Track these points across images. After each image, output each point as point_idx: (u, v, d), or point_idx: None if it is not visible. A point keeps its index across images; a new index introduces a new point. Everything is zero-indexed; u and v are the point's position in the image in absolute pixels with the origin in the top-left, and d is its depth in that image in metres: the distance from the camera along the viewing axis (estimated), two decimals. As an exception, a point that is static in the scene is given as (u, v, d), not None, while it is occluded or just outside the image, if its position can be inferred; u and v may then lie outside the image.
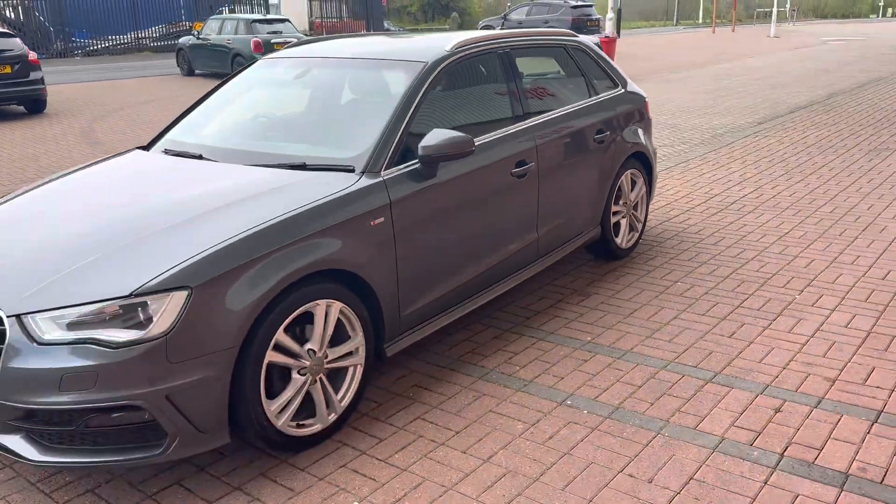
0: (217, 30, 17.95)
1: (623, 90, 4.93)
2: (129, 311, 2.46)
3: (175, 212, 2.88)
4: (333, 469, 2.77)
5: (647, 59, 21.54)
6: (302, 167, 3.22)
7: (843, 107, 11.43)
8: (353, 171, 3.14)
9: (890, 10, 79.57)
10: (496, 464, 2.76)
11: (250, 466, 2.80)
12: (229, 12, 28.13)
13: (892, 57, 20.71)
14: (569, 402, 3.16)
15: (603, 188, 4.53)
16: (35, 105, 12.78)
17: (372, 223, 3.04)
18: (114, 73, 20.12)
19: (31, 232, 3.00)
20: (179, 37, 26.53)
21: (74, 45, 27.10)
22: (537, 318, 4.05)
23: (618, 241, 4.82)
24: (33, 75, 12.46)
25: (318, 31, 36.28)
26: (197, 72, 18.99)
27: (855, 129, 9.50)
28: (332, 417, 2.95)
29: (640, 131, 4.92)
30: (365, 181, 3.09)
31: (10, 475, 2.81)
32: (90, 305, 2.46)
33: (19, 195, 3.44)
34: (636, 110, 4.94)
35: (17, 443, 2.53)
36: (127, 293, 2.46)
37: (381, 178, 3.13)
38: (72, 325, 2.45)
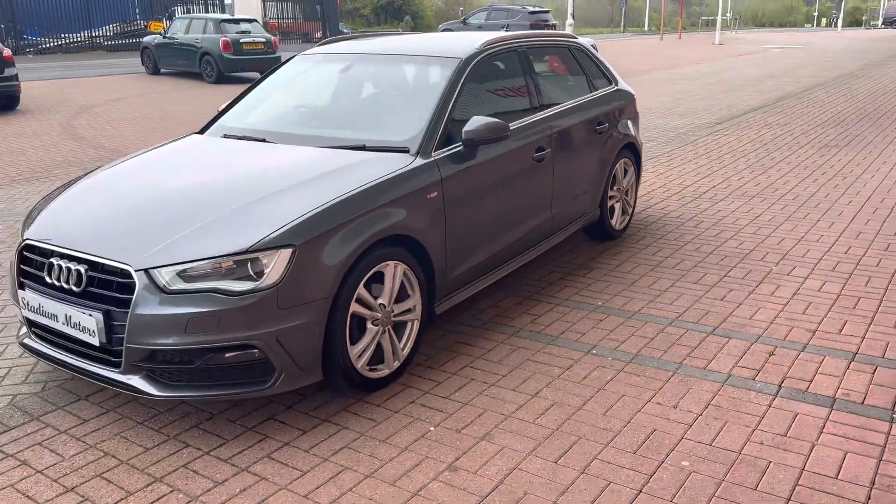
0: (184, 29, 18.07)
1: (616, 87, 5.48)
2: (245, 264, 2.87)
3: (266, 183, 3.31)
4: (404, 404, 3.22)
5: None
6: (362, 148, 3.66)
7: (792, 109, 12.29)
8: (408, 152, 3.60)
9: (823, 20, 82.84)
10: (543, 398, 3.25)
11: (332, 404, 3.22)
12: (185, 12, 28.08)
13: (831, 64, 21.96)
14: (594, 352, 3.67)
15: (602, 174, 5.07)
16: (8, 102, 12.79)
17: (428, 197, 3.50)
18: (72, 71, 20.02)
19: (140, 198, 3.38)
20: (134, 36, 26.38)
21: (26, 42, 26.70)
22: (550, 287, 4.56)
23: (612, 222, 5.37)
24: (7, 72, 12.48)
25: (274, 31, 36.37)
26: (163, 70, 19.05)
27: (805, 128, 10.31)
28: (396, 364, 3.40)
29: (631, 124, 5.49)
30: (419, 161, 3.55)
31: (115, 417, 3.17)
32: (211, 260, 2.86)
33: (111, 168, 3.84)
34: (627, 105, 5.50)
35: (139, 381, 2.91)
36: (244, 249, 2.87)
37: (432, 159, 3.59)
38: (194, 278, 2.85)
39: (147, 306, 2.82)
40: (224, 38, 16.99)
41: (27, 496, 2.66)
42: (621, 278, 4.69)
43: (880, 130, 9.97)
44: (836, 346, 3.66)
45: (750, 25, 75.42)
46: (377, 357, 3.32)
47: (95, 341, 2.92)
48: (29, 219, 3.45)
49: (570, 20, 19.51)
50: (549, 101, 4.62)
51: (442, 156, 3.65)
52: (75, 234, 3.14)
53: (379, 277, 3.27)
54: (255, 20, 18.63)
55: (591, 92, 5.15)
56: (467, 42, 4.29)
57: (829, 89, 15.08)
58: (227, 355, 2.88)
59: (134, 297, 2.83)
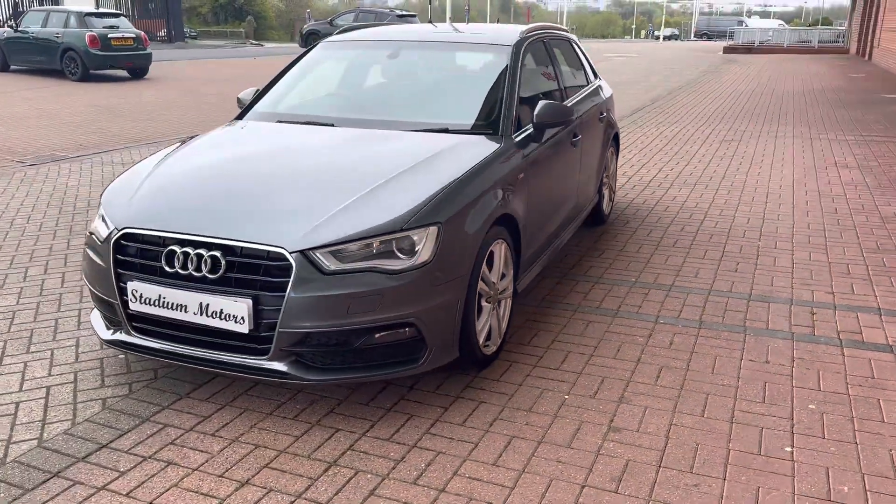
0: (41, 22, 16.63)
1: (600, 81, 5.82)
2: (399, 243, 2.86)
3: (379, 165, 3.28)
4: (522, 377, 3.32)
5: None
6: (445, 131, 3.71)
7: (669, 109, 13.35)
8: (494, 134, 3.69)
9: (643, 32, 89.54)
10: (648, 363, 3.46)
11: (452, 382, 3.25)
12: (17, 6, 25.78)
13: (672, 71, 23.93)
14: (661, 321, 3.94)
15: (601, 161, 5.38)
16: None
17: (518, 177, 3.61)
18: None
19: (249, 182, 3.25)
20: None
21: None
22: (577, 268, 4.79)
23: (604, 206, 5.69)
24: None
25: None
26: (13, 67, 17.43)
27: (694, 126, 11.26)
28: (499, 341, 3.48)
29: (614, 115, 5.85)
30: (506, 143, 3.65)
31: (236, 412, 3.03)
32: (367, 240, 2.82)
33: (180, 152, 3.65)
34: (609, 98, 5.85)
35: (289, 367, 2.82)
36: (398, 227, 2.86)
37: (514, 141, 3.71)
38: (349, 258, 2.80)
39: (306, 289, 2.74)
40: (90, 33, 15.83)
41: (202, 493, 2.51)
42: (634, 257, 5.01)
43: (760, 125, 11.10)
44: (860, 304, 4.15)
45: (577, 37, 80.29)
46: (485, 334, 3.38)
47: (244, 328, 2.79)
48: (112, 207, 3.20)
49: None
50: (570, 90, 4.86)
51: (520, 138, 3.77)
52: (196, 219, 2.96)
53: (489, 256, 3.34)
54: (123, 14, 17.50)
55: (589, 83, 5.44)
56: (506, 30, 4.45)
57: (688, 92, 16.48)
58: (384, 334, 2.86)
59: (291, 279, 2.74)
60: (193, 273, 2.85)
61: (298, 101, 4.27)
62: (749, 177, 7.52)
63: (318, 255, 2.77)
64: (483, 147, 3.54)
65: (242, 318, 2.77)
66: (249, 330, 2.79)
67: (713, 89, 17.02)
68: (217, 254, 2.82)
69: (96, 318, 3.34)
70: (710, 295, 4.30)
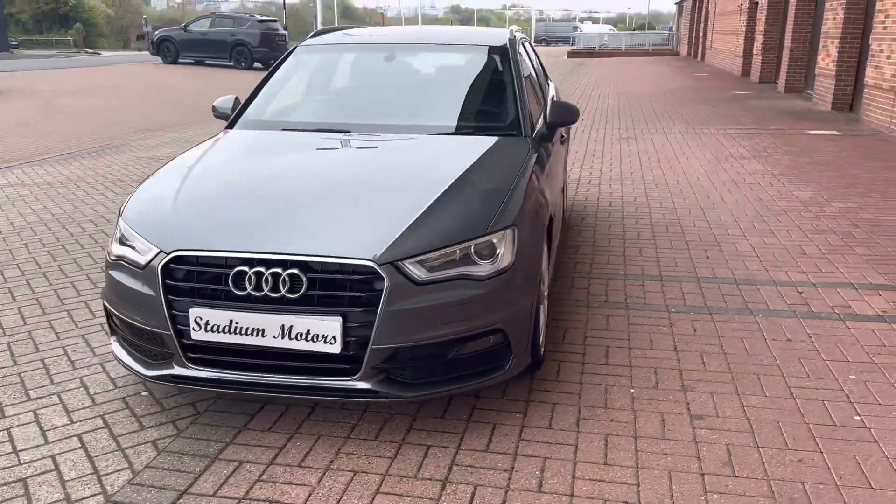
0: None
1: (550, 80, 5.95)
2: (481, 249, 2.78)
3: (430, 170, 3.19)
4: (578, 376, 3.33)
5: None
6: (470, 133, 3.66)
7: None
8: (519, 134, 3.68)
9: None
10: (685, 350, 3.57)
11: (516, 385, 3.21)
12: None
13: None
14: (673, 310, 4.08)
15: (566, 159, 5.50)
16: None
17: (546, 175, 3.62)
18: None
19: (294, 195, 3.05)
20: None
21: None
22: (563, 264, 4.86)
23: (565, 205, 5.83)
24: None
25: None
26: None
27: (586, 125, 11.77)
28: (545, 341, 3.48)
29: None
30: (531, 143, 3.65)
31: (310, 440, 2.84)
32: (452, 247, 2.73)
33: (197, 166, 3.37)
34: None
35: (381, 386, 2.67)
36: (481, 233, 2.78)
37: (535, 140, 3.72)
38: (436, 267, 2.69)
39: (399, 301, 2.61)
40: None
41: (326, 529, 2.33)
42: (609, 250, 5.16)
43: (646, 123, 11.76)
44: (833, 281, 4.50)
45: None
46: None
47: (336, 348, 2.60)
48: (147, 229, 2.89)
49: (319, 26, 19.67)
50: (544, 90, 4.93)
51: (537, 136, 3.79)
52: (261, 236, 2.73)
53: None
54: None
55: (549, 82, 5.55)
56: (494, 31, 4.46)
57: (562, 94, 17.17)
58: (473, 343, 2.77)
59: (383, 293, 2.60)
60: (269, 294, 2.63)
61: (298, 108, 4.05)
62: (665, 171, 7.95)
63: (408, 265, 2.64)
64: (518, 148, 3.53)
65: (333, 337, 2.59)
66: (341, 349, 2.61)
67: (582, 91, 17.83)
68: (296, 271, 2.62)
69: (123, 352, 3.01)
70: (701, 282, 4.51)
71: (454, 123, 3.77)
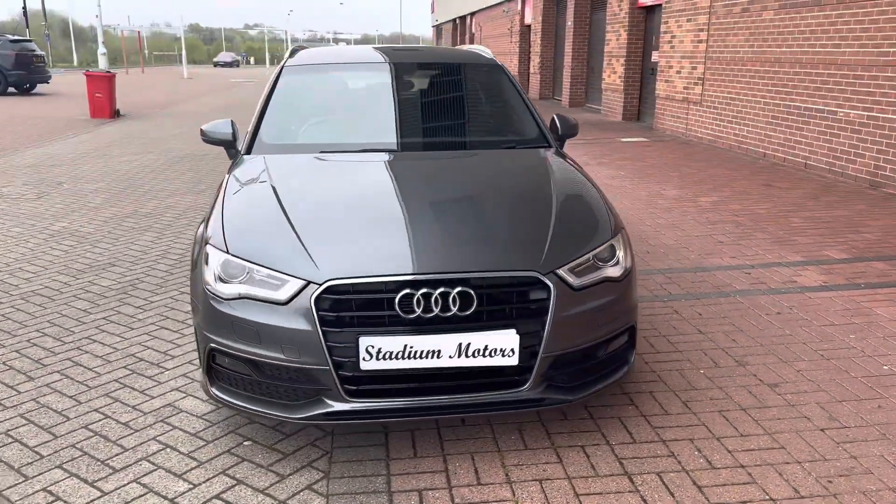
0: None
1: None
2: (605, 253, 2.94)
3: (516, 184, 3.28)
4: (644, 364, 3.61)
5: (125, 96, 21.10)
6: (513, 147, 3.80)
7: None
8: (549, 147, 3.88)
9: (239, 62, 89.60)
10: (723, 333, 4.00)
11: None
12: None
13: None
14: (669, 299, 4.51)
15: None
16: None
17: (578, 186, 3.87)
18: None
19: (407, 214, 2.99)
20: None
21: None
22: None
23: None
24: None
25: None
26: None
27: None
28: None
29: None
30: (561, 153, 3.87)
31: (468, 455, 2.83)
32: (591, 253, 2.87)
33: (284, 194, 3.16)
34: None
35: (545, 392, 2.73)
36: (607, 238, 2.95)
37: (561, 151, 3.95)
38: (582, 272, 2.82)
39: (564, 309, 2.69)
40: None
41: (564, 536, 2.37)
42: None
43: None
44: (766, 262, 5.23)
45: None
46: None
47: (514, 360, 2.62)
48: (280, 263, 2.68)
49: (101, 49, 17.96)
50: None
51: (561, 147, 4.03)
52: (415, 257, 2.65)
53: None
54: None
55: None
56: (472, 49, 4.62)
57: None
58: (615, 342, 2.93)
59: (551, 302, 2.67)
60: (440, 314, 2.59)
61: (322, 129, 3.89)
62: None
63: (565, 273, 2.74)
64: (559, 158, 3.72)
65: (511, 350, 2.62)
66: (518, 361, 2.64)
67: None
68: (466, 288, 2.60)
69: (243, 399, 2.76)
70: (667, 273, 5.00)
71: (491, 138, 3.89)
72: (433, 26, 50.87)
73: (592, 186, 3.38)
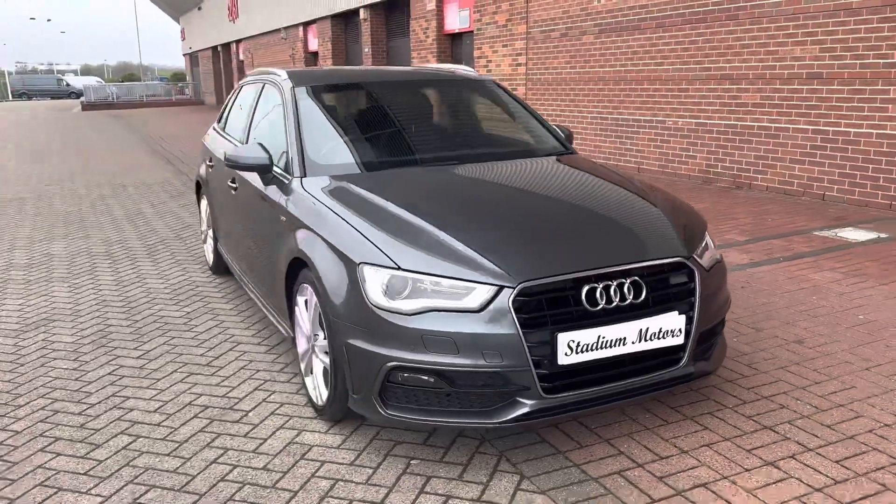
0: None
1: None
2: (708, 239, 3.32)
3: (593, 190, 3.50)
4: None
5: None
6: (548, 153, 4.06)
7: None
8: (571, 152, 4.19)
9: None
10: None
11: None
12: None
13: (104, 134, 22.91)
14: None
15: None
16: None
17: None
18: None
19: (531, 216, 3.15)
20: None
21: None
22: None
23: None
24: None
25: None
26: None
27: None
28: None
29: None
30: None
31: (695, 428, 3.04)
32: (705, 240, 3.22)
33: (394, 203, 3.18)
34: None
35: (695, 366, 3.02)
36: (705, 227, 3.33)
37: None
38: (704, 256, 3.14)
39: (705, 289, 3.02)
40: None
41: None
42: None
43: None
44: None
45: None
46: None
47: (680, 340, 2.89)
48: (465, 272, 2.70)
49: None
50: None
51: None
52: (590, 254, 2.83)
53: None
54: None
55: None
56: (452, 67, 4.84)
57: (186, 148, 16.48)
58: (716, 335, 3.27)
59: (697, 283, 2.98)
60: (619, 304, 2.79)
61: (367, 148, 3.92)
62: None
63: (698, 258, 3.07)
64: (594, 161, 4.05)
65: (679, 329, 2.89)
66: (683, 340, 2.91)
67: (188, 146, 17.33)
68: (636, 278, 2.84)
69: (432, 413, 2.73)
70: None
71: (529, 147, 4.11)
72: (186, 54, 48.64)
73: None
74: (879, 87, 6.95)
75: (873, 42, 6.95)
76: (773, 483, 2.66)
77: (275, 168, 3.77)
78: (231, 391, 3.57)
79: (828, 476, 2.69)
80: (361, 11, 18.86)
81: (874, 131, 7.06)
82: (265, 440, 3.09)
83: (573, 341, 2.68)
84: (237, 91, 5.43)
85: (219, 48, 37.69)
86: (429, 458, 2.91)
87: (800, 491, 2.61)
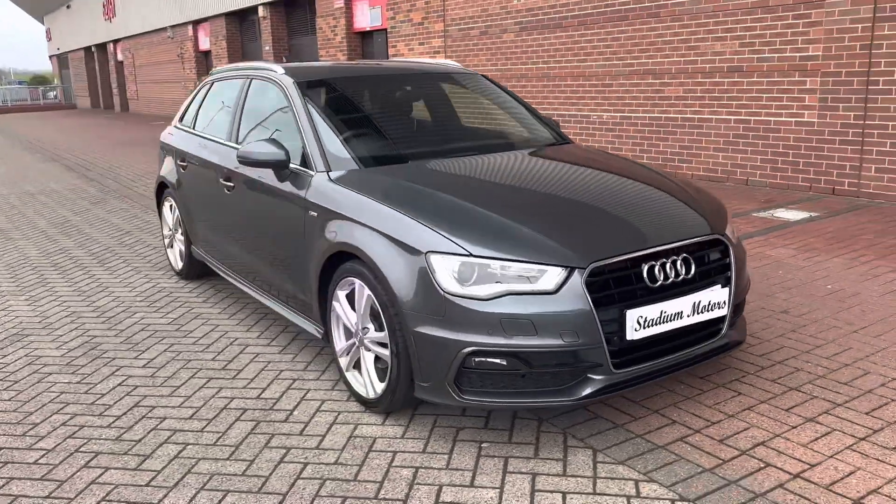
0: None
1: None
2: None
3: (628, 177, 3.65)
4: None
5: None
6: (555, 143, 4.20)
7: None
8: (570, 143, 4.34)
9: None
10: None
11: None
12: None
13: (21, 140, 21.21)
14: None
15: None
16: None
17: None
18: None
19: (580, 201, 3.26)
20: None
21: None
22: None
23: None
24: None
25: None
26: None
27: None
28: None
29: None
30: (579, 148, 4.39)
31: (731, 394, 3.22)
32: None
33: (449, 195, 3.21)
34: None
35: (731, 336, 3.25)
36: (726, 210, 3.56)
37: (575, 146, 4.45)
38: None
39: (738, 263, 3.24)
40: None
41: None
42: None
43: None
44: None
45: None
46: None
47: (725, 311, 3.09)
48: (534, 255, 2.78)
49: None
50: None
51: (562, 144, 4.53)
52: (644, 234, 2.98)
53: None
54: None
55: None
56: (434, 60, 4.89)
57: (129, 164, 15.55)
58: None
59: (732, 257, 3.19)
60: (675, 280, 2.96)
61: (384, 140, 3.92)
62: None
63: (729, 234, 3.29)
64: (593, 148, 4.22)
65: (724, 301, 3.09)
66: (726, 311, 3.11)
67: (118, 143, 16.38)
68: (686, 254, 3.01)
69: (511, 396, 2.80)
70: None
71: (542, 137, 4.23)
72: (53, 56, 45.72)
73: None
74: (797, 78, 7.54)
75: (790, 37, 7.54)
76: (822, 437, 2.90)
77: (290, 164, 3.70)
78: (262, 392, 3.48)
79: (864, 427, 2.96)
80: (260, 9, 18.42)
81: (793, 119, 7.65)
82: (323, 436, 3.05)
83: (641, 317, 2.81)
84: (204, 88, 5.25)
85: (93, 48, 35.74)
86: (497, 440, 2.96)
87: (847, 441, 2.86)
